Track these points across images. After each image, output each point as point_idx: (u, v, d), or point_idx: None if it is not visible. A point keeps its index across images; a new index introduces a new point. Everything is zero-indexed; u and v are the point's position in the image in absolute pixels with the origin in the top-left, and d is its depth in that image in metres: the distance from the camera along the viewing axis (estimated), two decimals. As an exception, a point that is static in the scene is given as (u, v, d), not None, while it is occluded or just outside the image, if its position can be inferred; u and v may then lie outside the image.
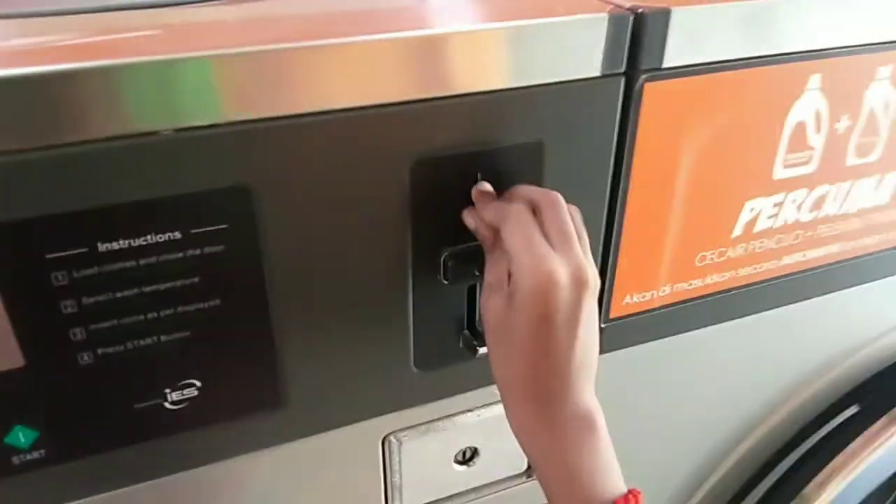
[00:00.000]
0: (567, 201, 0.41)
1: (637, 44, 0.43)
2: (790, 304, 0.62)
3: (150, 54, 0.34)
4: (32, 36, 0.38)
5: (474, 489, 0.59)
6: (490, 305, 0.41)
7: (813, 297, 0.63)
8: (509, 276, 0.40)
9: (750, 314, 0.61)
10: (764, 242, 0.56)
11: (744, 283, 0.58)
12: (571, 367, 0.39)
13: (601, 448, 0.40)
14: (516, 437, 0.41)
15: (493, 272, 0.42)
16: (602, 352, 0.54)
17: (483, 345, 0.47)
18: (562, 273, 0.37)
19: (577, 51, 0.42)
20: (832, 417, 0.78)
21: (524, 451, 0.41)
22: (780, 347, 0.68)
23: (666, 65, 0.44)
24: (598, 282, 0.40)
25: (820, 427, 0.78)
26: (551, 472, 0.40)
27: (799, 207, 0.56)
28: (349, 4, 0.44)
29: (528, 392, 0.39)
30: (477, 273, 0.45)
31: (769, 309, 0.62)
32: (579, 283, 0.38)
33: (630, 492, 0.40)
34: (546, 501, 0.41)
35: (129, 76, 0.34)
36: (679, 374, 0.64)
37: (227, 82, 0.36)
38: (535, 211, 0.40)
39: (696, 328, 0.59)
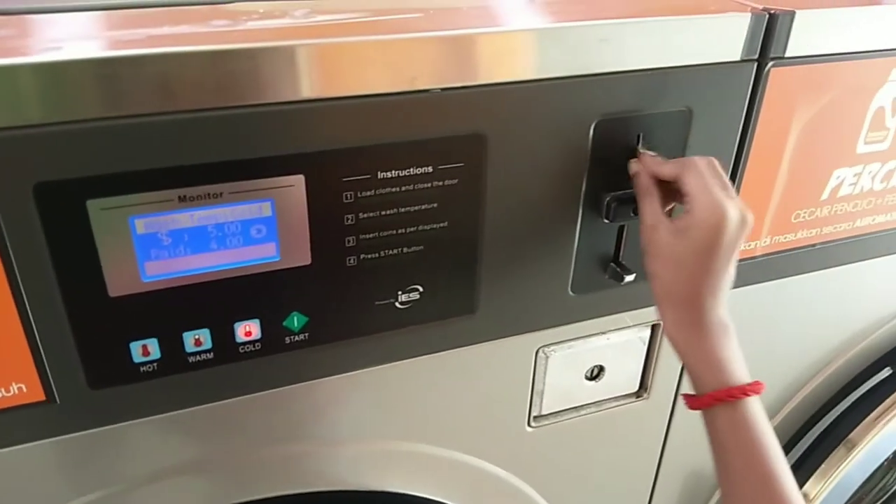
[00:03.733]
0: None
1: (769, 36, 0.56)
2: (860, 261, 0.74)
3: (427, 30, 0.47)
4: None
5: (595, 403, 0.71)
6: (656, 238, 0.52)
7: (877, 257, 0.75)
8: (668, 214, 0.52)
9: (827, 268, 0.73)
10: (844, 206, 0.69)
11: (826, 239, 0.70)
12: (721, 286, 0.51)
13: (734, 346, 0.52)
14: (669, 335, 0.53)
15: (650, 213, 0.54)
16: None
17: (629, 273, 0.60)
18: (733, 214, 0.49)
19: (724, 40, 0.55)
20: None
21: (674, 345, 0.53)
22: (840, 305, 0.80)
23: (788, 55, 0.57)
24: (752, 225, 0.52)
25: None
26: (697, 360, 0.52)
27: (873, 178, 0.68)
28: None
29: (688, 301, 0.51)
30: (632, 214, 0.57)
31: (842, 265, 0.74)
32: (744, 224, 0.50)
33: (755, 381, 0.52)
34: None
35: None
36: (759, 320, 0.76)
37: (477, 55, 0.49)
38: None
39: (788, 276, 0.71)
